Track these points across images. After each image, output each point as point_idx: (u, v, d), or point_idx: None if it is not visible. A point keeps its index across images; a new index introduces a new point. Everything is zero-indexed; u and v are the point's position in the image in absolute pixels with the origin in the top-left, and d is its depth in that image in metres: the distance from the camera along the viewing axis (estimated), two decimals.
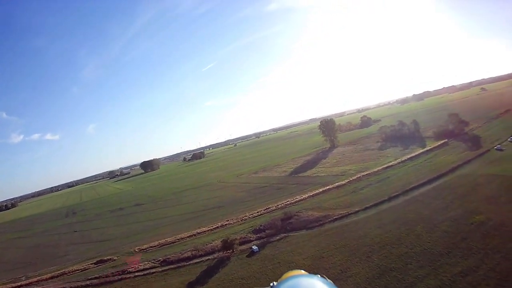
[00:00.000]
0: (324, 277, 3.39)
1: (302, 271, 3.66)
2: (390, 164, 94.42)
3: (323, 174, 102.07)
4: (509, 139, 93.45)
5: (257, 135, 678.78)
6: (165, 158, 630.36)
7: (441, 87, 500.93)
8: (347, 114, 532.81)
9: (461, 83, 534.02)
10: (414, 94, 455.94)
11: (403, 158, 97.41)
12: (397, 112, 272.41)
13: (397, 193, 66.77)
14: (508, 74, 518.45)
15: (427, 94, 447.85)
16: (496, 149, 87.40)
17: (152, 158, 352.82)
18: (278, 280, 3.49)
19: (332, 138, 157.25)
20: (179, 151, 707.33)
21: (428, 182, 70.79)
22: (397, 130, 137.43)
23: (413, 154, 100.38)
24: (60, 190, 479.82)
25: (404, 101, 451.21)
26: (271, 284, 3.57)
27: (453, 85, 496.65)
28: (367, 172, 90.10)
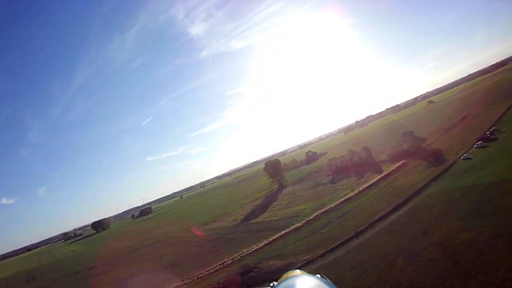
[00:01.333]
0: (324, 277, 4.14)
1: (302, 271, 4.40)
2: (348, 196, 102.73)
3: (276, 218, 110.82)
4: (475, 146, 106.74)
5: (202, 184, 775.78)
6: (115, 216, 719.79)
7: (384, 109, 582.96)
8: (290, 152, 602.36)
9: (405, 100, 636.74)
10: (356, 121, 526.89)
11: (361, 188, 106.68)
12: (342, 141, 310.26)
13: (364, 226, 70.56)
14: (453, 82, 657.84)
15: (370, 119, 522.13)
16: (463, 158, 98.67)
17: (102, 218, 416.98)
18: (278, 280, 4.30)
19: (280, 178, 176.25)
20: (127, 208, 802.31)
21: (396, 209, 75.76)
22: (348, 160, 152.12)
23: (370, 182, 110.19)
24: (21, 253, 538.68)
25: (347, 129, 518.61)
26: (271, 284, 4.39)
27: (397, 104, 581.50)
28: (324, 209, 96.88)
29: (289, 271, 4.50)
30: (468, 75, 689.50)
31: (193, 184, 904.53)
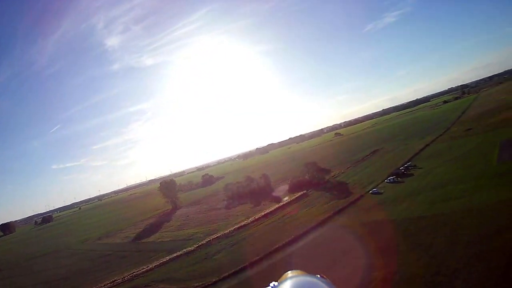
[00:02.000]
0: (324, 277, 4.29)
1: (302, 271, 4.51)
2: (243, 223, 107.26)
3: (168, 239, 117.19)
4: (386, 181, 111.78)
5: (100, 197, 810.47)
6: (20, 221, 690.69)
7: (287, 138, 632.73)
8: (188, 173, 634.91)
9: (311, 131, 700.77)
10: (257, 148, 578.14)
11: (257, 216, 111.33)
12: (241, 167, 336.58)
13: (259, 256, 70.83)
14: (364, 115, 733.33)
15: (271, 147, 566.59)
16: (372, 193, 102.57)
17: (8, 221, 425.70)
18: (278, 280, 4.37)
19: (174, 199, 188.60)
20: (31, 214, 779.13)
21: (295, 240, 76.56)
22: (245, 186, 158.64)
23: (267, 211, 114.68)
24: None
25: (247, 155, 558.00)
26: (271, 284, 4.41)
27: (302, 134, 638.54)
28: (217, 235, 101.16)
29: (289, 271, 4.53)
30: (383, 109, 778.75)
31: (92, 197, 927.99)
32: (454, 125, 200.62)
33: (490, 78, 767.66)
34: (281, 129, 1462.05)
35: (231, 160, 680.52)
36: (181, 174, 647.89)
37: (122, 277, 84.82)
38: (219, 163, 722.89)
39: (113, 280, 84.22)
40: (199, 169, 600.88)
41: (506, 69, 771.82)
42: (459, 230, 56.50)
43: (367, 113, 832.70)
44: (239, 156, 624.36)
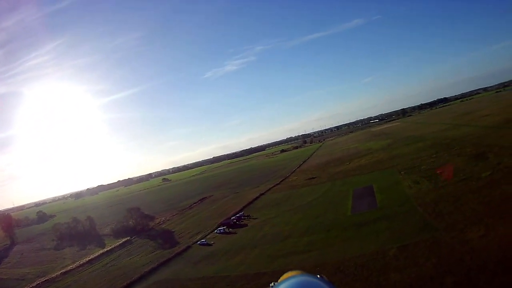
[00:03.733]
0: (324, 277, 4.58)
1: (302, 271, 4.83)
2: (69, 268, 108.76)
3: (6, 277, 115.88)
4: (216, 231, 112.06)
5: None
6: None
7: (116, 181, 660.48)
8: (27, 208, 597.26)
9: (139, 175, 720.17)
10: (88, 188, 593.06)
11: (82, 261, 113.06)
12: (72, 207, 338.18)
13: None
14: (191, 163, 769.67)
15: (101, 188, 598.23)
16: (200, 244, 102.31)
17: None
18: (278, 280, 4.70)
19: (11, 234, 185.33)
20: None
21: None
22: (72, 228, 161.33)
23: (92, 256, 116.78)
24: None
25: (78, 195, 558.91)
26: (271, 284, 4.77)
27: (130, 178, 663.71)
28: (46, 278, 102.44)
29: (289, 271, 4.84)
30: (213, 157, 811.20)
31: None
32: (294, 174, 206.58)
33: (338, 127, 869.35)
34: (113, 171, 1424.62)
35: (64, 198, 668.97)
36: (21, 208, 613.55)
37: None
38: (54, 200, 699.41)
39: None
40: (37, 204, 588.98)
41: (358, 119, 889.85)
42: None
43: (197, 160, 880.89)
44: (71, 195, 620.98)
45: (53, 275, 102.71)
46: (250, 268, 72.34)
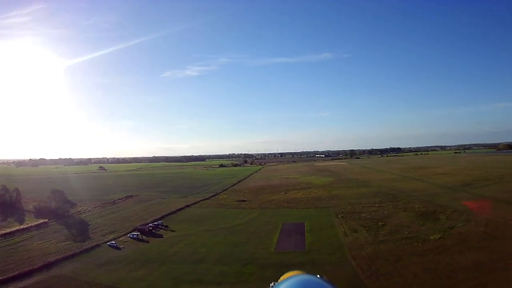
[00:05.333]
0: (324, 277, 4.84)
1: (301, 271, 5.14)
2: None
3: None
4: (129, 235, 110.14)
5: None
6: None
7: (58, 157, 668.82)
8: None
9: (80, 157, 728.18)
10: (31, 159, 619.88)
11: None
12: (11, 173, 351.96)
13: None
14: (131, 158, 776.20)
15: (42, 162, 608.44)
16: (110, 245, 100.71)
17: None
18: (278, 280, 4.89)
19: None
20: None
21: (12, 279, 75.67)
22: (0, 195, 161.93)
23: (8, 230, 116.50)
24: None
25: (20, 163, 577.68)
26: (271, 284, 4.92)
27: (71, 158, 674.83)
28: None
29: (289, 271, 5.19)
30: (154, 156, 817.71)
31: None
32: (225, 192, 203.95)
33: (282, 154, 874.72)
34: (60, 146, 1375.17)
35: (7, 163, 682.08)
36: None
37: None
38: None
39: None
40: None
41: (304, 150, 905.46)
42: None
43: (137, 156, 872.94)
44: (14, 162, 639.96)
45: None
46: (150, 286, 70.46)
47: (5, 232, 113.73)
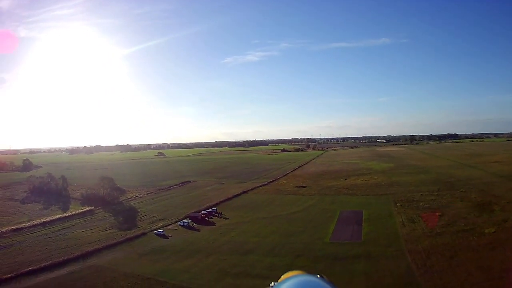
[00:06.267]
0: (324, 277, 4.68)
1: (302, 271, 4.91)
2: (22, 226, 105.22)
3: None
4: (179, 223, 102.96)
5: None
6: None
7: (115, 144, 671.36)
8: (20, 153, 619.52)
9: (139, 143, 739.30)
10: (85, 146, 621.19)
11: (37, 221, 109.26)
12: (60, 161, 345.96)
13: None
14: (193, 143, 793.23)
15: (98, 149, 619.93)
16: (157, 234, 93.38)
17: None
18: (278, 281, 4.81)
19: None
20: None
21: (44, 269, 71.37)
22: (45, 184, 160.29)
23: (49, 219, 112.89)
24: None
25: (73, 151, 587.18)
26: (271, 284, 4.85)
27: (128, 144, 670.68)
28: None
29: (289, 271, 4.98)
30: (216, 141, 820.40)
31: None
32: (285, 178, 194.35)
33: (344, 139, 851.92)
34: (117, 133, 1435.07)
35: (60, 151, 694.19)
36: (15, 152, 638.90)
37: None
38: (49, 151, 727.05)
39: None
40: (32, 152, 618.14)
41: (366, 135, 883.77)
42: None
43: (200, 141, 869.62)
44: (67, 149, 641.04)
45: (3, 230, 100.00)
46: (193, 279, 64.37)
47: (45, 220, 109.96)
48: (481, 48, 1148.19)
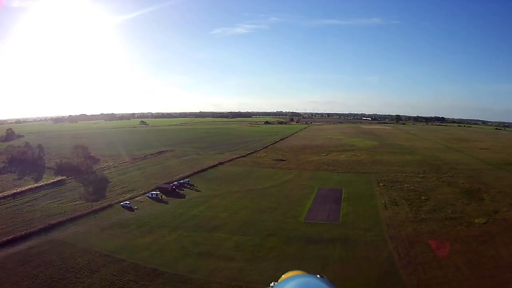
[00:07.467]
0: (324, 277, 4.73)
1: (302, 271, 5.02)
2: None
3: None
4: (148, 194, 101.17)
5: None
6: None
7: (100, 113, 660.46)
8: (7, 123, 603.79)
9: (124, 112, 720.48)
10: (70, 115, 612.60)
11: (8, 193, 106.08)
12: (46, 130, 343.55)
13: None
14: (178, 113, 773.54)
15: (82, 117, 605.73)
16: (123, 206, 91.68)
17: None
18: (278, 280, 4.90)
19: None
20: None
21: (6, 244, 69.02)
22: (22, 153, 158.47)
23: (21, 189, 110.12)
24: None
25: (58, 120, 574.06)
26: (271, 284, 4.96)
27: (113, 113, 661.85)
28: None
29: (289, 271, 5.05)
30: (201, 111, 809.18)
31: None
32: (264, 150, 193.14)
33: (329, 115, 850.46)
34: (104, 102, 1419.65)
35: (45, 120, 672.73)
36: (2, 123, 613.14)
37: None
38: (35, 120, 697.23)
39: None
40: (18, 121, 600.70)
41: (351, 112, 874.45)
42: None
43: (184, 111, 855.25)
44: (52, 118, 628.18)
45: None
46: (151, 257, 61.32)
47: (15, 191, 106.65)
48: (475, 37, 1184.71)
